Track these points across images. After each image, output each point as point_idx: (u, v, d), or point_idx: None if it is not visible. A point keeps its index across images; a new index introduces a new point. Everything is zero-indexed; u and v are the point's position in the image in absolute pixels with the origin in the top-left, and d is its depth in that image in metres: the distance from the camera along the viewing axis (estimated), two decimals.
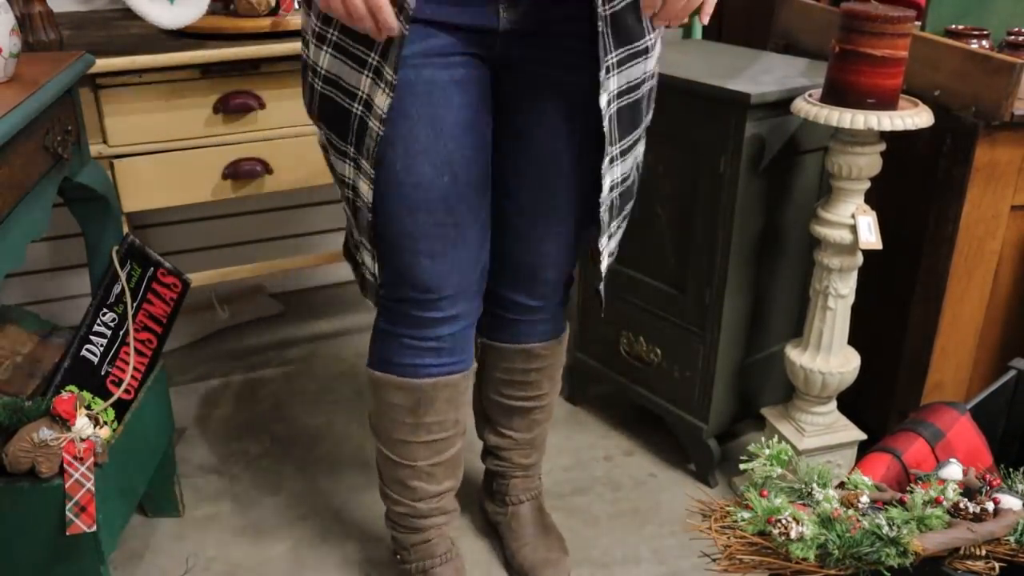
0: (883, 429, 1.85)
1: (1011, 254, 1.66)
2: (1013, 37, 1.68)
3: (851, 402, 1.85)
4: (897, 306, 1.82)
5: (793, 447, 1.77)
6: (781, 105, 1.67)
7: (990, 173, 1.57)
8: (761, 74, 1.78)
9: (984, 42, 1.65)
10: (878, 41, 1.45)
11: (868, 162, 1.58)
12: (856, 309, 1.73)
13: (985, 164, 1.56)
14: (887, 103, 1.50)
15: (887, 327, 1.85)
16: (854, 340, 1.77)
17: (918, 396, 1.73)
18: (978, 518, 1.00)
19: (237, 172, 1.95)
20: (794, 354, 1.76)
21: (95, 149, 1.81)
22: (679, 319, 1.91)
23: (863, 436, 1.79)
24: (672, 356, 1.95)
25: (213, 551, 1.77)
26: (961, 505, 1.02)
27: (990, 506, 1.01)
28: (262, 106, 1.94)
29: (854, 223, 1.60)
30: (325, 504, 1.90)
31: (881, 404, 1.87)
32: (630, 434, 2.14)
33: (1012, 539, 0.98)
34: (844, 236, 1.61)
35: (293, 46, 1.89)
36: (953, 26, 1.71)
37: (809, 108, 1.55)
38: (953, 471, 1.12)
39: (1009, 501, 1.04)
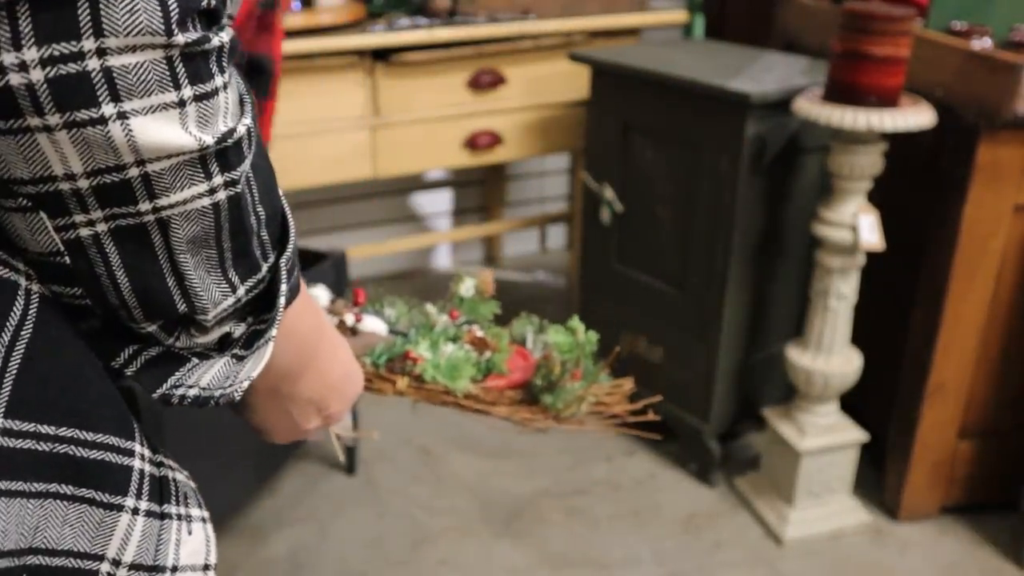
0: (885, 429, 1.85)
1: (1013, 254, 1.65)
2: (1015, 36, 1.67)
3: (853, 402, 1.84)
4: (899, 306, 1.81)
5: (794, 447, 1.77)
6: (782, 104, 1.66)
7: (992, 173, 1.57)
8: (762, 73, 1.77)
9: (986, 41, 1.65)
10: (880, 40, 1.45)
11: (869, 162, 1.58)
12: (858, 309, 1.72)
13: (987, 164, 1.56)
14: (889, 102, 1.49)
15: (889, 327, 1.85)
16: (856, 340, 1.76)
17: (920, 396, 1.73)
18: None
19: None
20: (795, 354, 1.75)
21: None
22: (680, 319, 1.90)
23: (865, 437, 1.78)
24: (673, 356, 1.94)
25: None
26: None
27: (349, 319, 0.99)
28: None
29: (855, 223, 1.59)
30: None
31: (883, 404, 1.86)
32: (631, 434, 2.13)
33: (368, 361, 0.97)
34: (845, 236, 1.60)
35: (292, 46, 1.89)
36: (955, 25, 1.71)
37: (810, 108, 1.54)
38: (319, 294, 1.09)
39: (372, 324, 1.02)
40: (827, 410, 1.78)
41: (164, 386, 0.52)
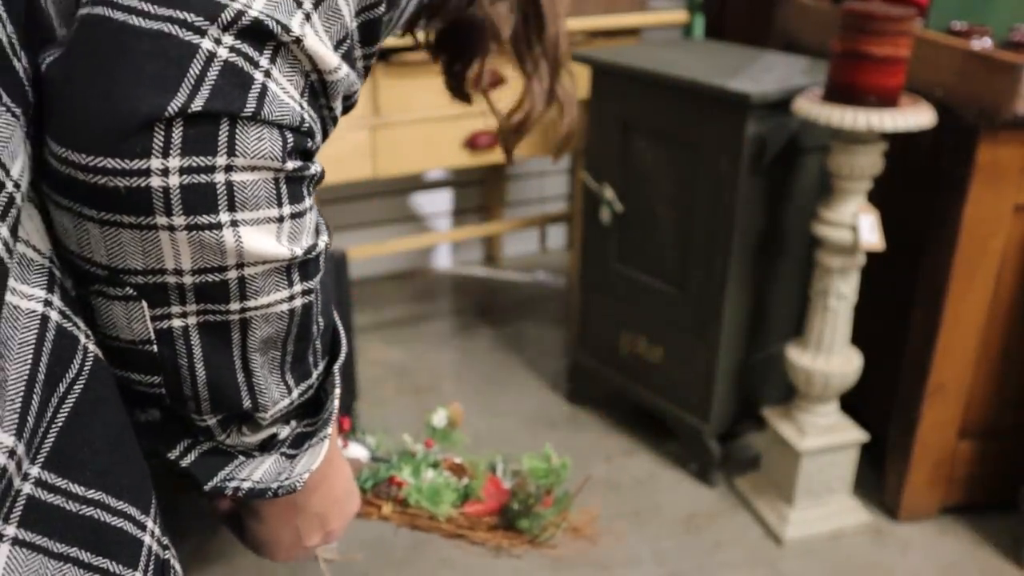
0: (885, 429, 1.85)
1: (1013, 254, 1.65)
2: (1015, 36, 1.67)
3: (853, 402, 1.84)
4: (899, 306, 1.81)
5: (794, 447, 1.76)
6: (782, 104, 1.66)
7: (992, 173, 1.57)
8: (762, 73, 1.77)
9: (986, 41, 1.64)
10: (880, 40, 1.45)
11: (869, 162, 1.58)
12: (858, 309, 1.72)
13: (987, 163, 1.55)
14: (889, 102, 1.49)
15: (889, 327, 1.85)
16: (856, 340, 1.76)
17: (920, 397, 1.73)
18: None
19: None
20: (795, 354, 1.75)
21: None
22: (680, 319, 1.90)
23: (866, 437, 1.78)
24: (673, 356, 1.94)
25: None
26: None
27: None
28: None
29: (855, 223, 1.59)
30: None
31: (883, 404, 1.86)
32: (631, 434, 2.14)
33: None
34: (845, 236, 1.60)
35: None
36: (955, 25, 1.71)
37: (810, 107, 1.54)
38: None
39: (356, 451, 1.07)
40: (827, 410, 1.78)
41: (216, 479, 0.57)
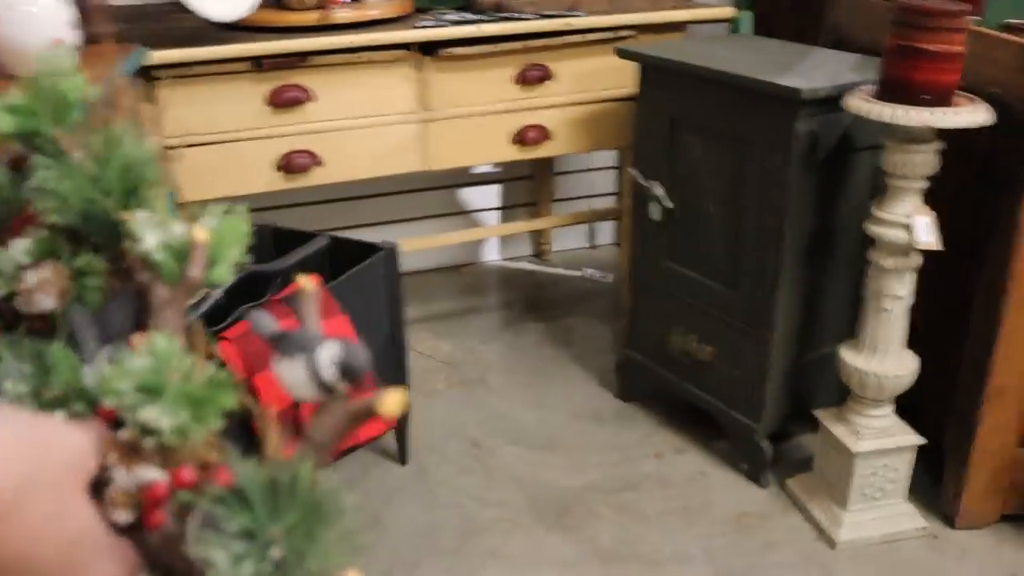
0: (943, 434, 1.80)
1: None
2: None
3: (909, 405, 1.80)
4: (957, 308, 1.76)
5: (849, 449, 1.73)
6: (833, 101, 1.62)
7: None
8: (812, 69, 1.74)
9: None
10: (934, 36, 1.41)
11: (924, 160, 1.54)
12: (915, 309, 1.68)
13: None
14: (943, 100, 1.45)
15: (948, 329, 1.80)
16: (913, 341, 1.72)
17: (978, 401, 1.68)
18: None
19: (290, 164, 1.97)
20: (848, 356, 1.72)
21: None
22: (731, 317, 1.88)
23: (921, 440, 1.74)
24: (724, 354, 1.92)
25: None
26: None
27: None
28: (313, 99, 1.95)
29: (909, 222, 1.55)
30: None
31: (941, 408, 1.82)
32: (681, 431, 2.12)
33: None
34: (899, 236, 1.57)
35: (341, 39, 1.90)
36: (1011, 20, 1.66)
37: (862, 104, 1.51)
38: None
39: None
40: (882, 412, 1.74)
41: None
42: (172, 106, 1.86)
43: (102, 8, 1.77)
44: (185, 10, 1.93)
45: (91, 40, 1.75)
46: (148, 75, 1.81)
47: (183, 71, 1.84)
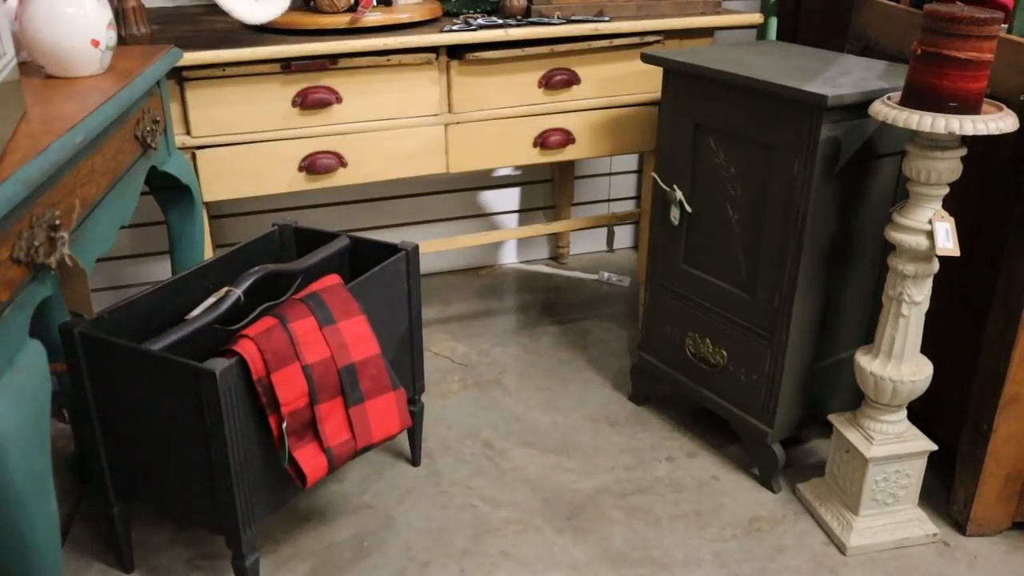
0: (955, 440, 1.82)
1: None
2: None
3: (923, 412, 1.82)
4: (973, 315, 1.78)
5: (862, 454, 1.75)
6: (858, 108, 1.64)
7: None
8: (838, 76, 1.75)
9: None
10: (963, 43, 1.42)
11: (948, 167, 1.55)
12: (930, 316, 1.69)
13: None
14: (970, 107, 1.46)
15: (963, 336, 1.81)
16: (928, 347, 1.74)
17: (993, 408, 1.70)
18: None
19: (313, 165, 2.00)
20: (864, 360, 1.74)
21: (179, 140, 1.87)
22: (747, 321, 1.90)
23: (934, 447, 1.76)
24: (738, 358, 1.93)
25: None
26: None
27: None
28: (339, 101, 1.98)
29: (931, 229, 1.57)
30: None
31: (954, 415, 1.83)
32: (693, 435, 2.13)
33: None
34: (920, 242, 1.58)
35: (371, 42, 1.93)
36: None
37: (888, 111, 1.52)
38: None
39: None
40: (895, 418, 1.76)
41: None
42: (201, 106, 1.89)
43: (139, 9, 1.81)
44: (218, 12, 1.96)
45: (127, 40, 1.78)
46: (180, 76, 1.84)
47: (213, 72, 1.86)
